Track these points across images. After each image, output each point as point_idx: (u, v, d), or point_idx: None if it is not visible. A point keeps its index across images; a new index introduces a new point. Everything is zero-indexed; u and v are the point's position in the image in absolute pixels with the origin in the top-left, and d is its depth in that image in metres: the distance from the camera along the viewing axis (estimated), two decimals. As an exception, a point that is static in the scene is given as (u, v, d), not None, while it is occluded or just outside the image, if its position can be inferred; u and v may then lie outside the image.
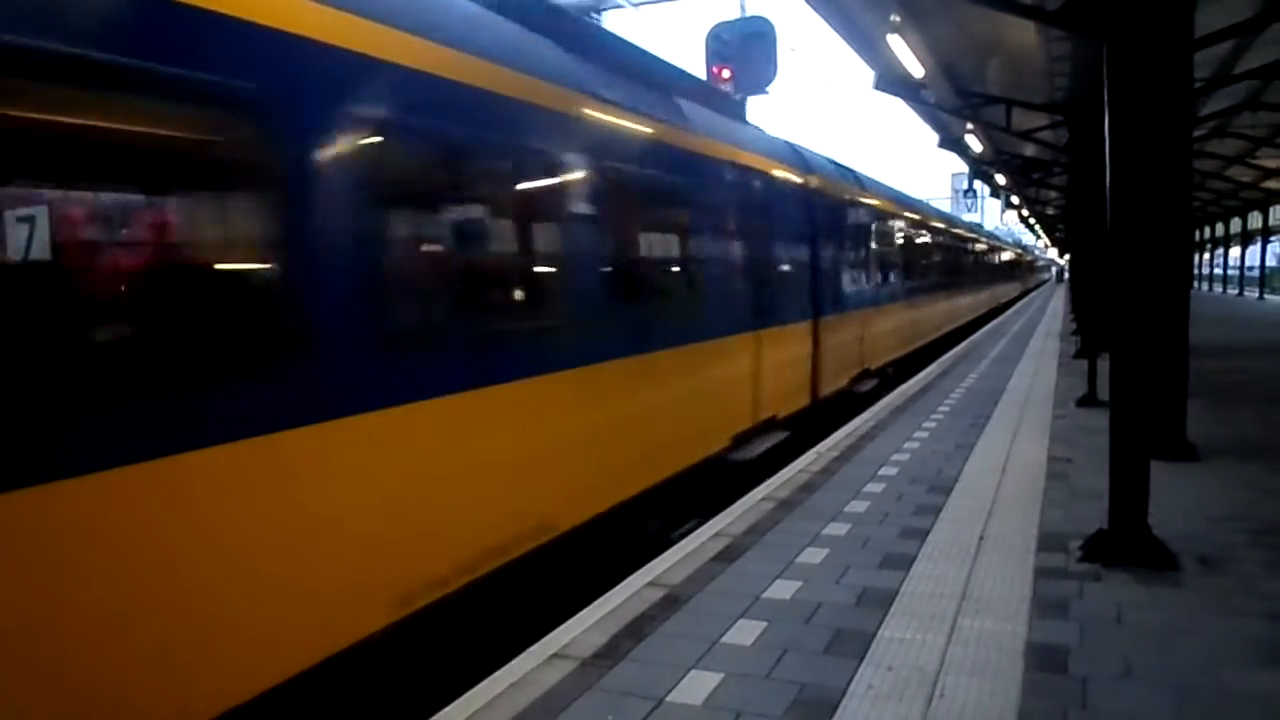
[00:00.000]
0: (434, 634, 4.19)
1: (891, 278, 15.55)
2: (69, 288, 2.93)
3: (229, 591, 3.13)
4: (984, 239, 36.31)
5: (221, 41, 3.18)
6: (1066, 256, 46.24)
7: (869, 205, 13.86)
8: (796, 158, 10.72)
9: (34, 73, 2.68)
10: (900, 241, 16.74)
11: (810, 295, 10.44)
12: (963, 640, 4.00)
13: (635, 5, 15.12)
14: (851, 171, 13.80)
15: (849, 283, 12.43)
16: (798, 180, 10.34)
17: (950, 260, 23.83)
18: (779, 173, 9.68)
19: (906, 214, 17.50)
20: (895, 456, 7.95)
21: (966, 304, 26.85)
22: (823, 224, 11.02)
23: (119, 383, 2.84)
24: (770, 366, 8.80)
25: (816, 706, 3.43)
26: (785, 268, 9.70)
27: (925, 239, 19.71)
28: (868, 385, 12.73)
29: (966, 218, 43.49)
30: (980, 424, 9.52)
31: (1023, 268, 58.67)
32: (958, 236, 26.20)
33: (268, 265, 3.48)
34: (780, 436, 8.89)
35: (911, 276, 17.53)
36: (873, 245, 14.01)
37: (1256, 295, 40.47)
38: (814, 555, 5.24)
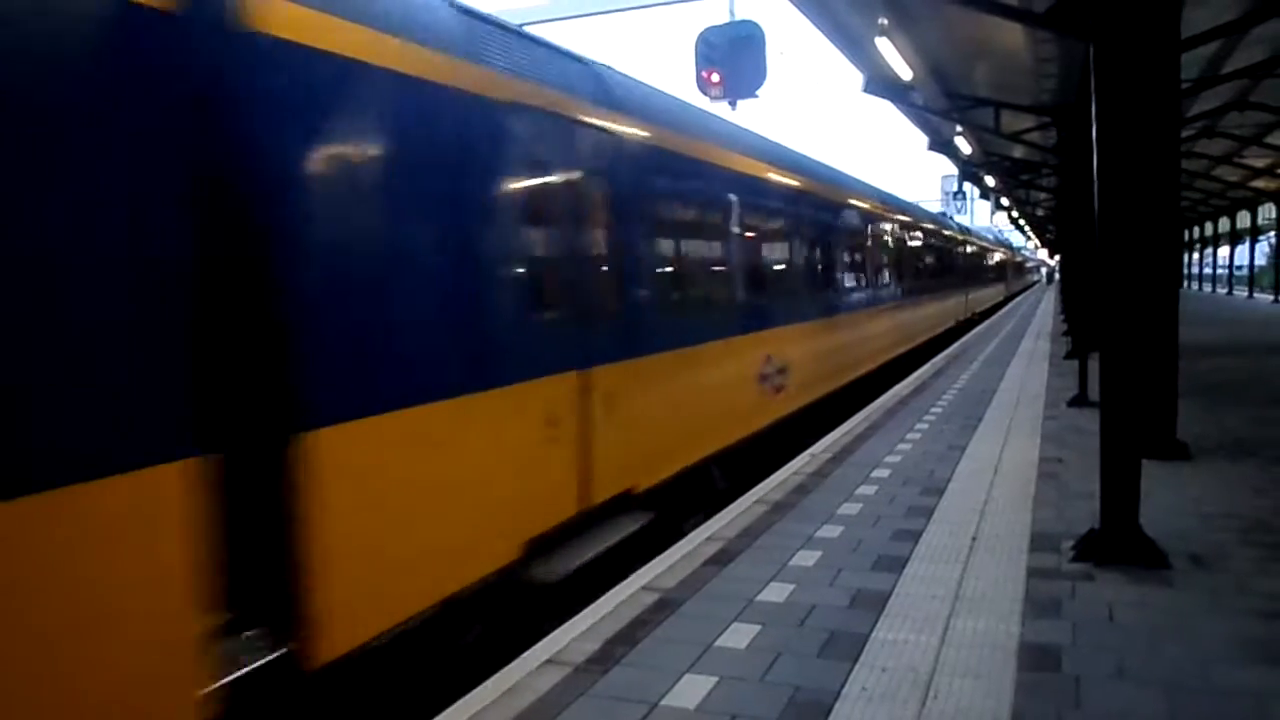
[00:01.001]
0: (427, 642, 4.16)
1: (723, 292, 8.45)
2: None
3: None
4: (944, 227, 26.41)
5: None
6: (1057, 257, 46.35)
7: (633, 135, 6.35)
8: None
9: None
10: (759, 226, 9.34)
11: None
12: (956, 641, 4.01)
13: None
14: (601, 70, 6.37)
15: (523, 323, 4.96)
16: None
17: (879, 261, 15.42)
18: None
19: (750, 169, 8.93)
20: (888, 458, 7.95)
21: (908, 322, 18.07)
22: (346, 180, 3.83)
23: None
24: None
25: (811, 709, 3.43)
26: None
27: (805, 224, 10.85)
28: (622, 532, 5.81)
29: (959, 219, 42.45)
30: (972, 425, 9.53)
31: (1007, 269, 53.93)
32: (885, 219, 15.97)
33: None
34: None
35: (790, 287, 10.33)
36: (666, 235, 7.13)
37: (1245, 294, 40.74)
38: (807, 558, 5.24)
